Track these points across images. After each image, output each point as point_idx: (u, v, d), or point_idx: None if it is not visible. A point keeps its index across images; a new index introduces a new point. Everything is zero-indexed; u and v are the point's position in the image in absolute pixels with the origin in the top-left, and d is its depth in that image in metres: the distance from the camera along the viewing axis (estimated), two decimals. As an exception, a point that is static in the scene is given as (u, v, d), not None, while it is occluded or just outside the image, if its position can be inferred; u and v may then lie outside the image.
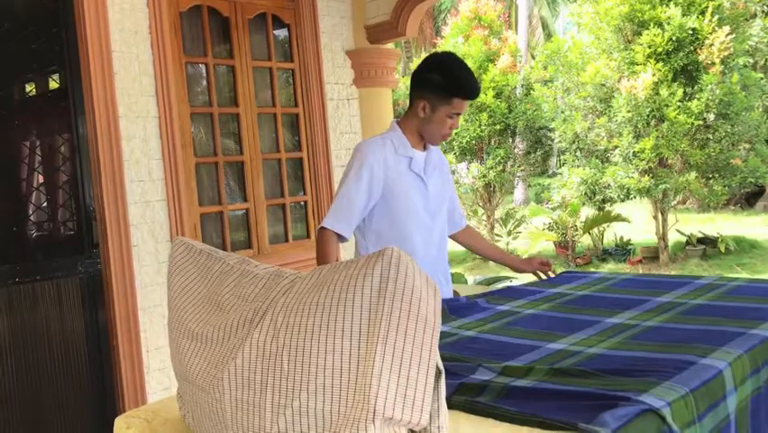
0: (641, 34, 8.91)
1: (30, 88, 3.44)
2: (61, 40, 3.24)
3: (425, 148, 2.47)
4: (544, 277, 2.68)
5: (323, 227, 2.32)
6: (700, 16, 8.73)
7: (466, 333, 1.97)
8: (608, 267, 9.98)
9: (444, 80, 2.29)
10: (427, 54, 2.55)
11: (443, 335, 1.95)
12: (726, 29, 8.62)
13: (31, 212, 3.25)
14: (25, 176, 3.29)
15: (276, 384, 1.15)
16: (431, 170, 2.47)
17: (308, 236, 4.36)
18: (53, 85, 3.40)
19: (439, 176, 2.52)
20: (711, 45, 8.60)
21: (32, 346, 3.12)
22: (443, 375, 1.17)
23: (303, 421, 1.12)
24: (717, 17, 8.69)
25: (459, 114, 2.35)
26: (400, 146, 2.39)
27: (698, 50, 8.72)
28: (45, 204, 3.30)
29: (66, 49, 3.24)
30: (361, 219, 2.37)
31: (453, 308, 2.23)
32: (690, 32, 8.70)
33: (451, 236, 2.73)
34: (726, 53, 8.60)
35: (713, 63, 8.61)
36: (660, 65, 8.74)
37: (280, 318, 1.19)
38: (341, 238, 2.33)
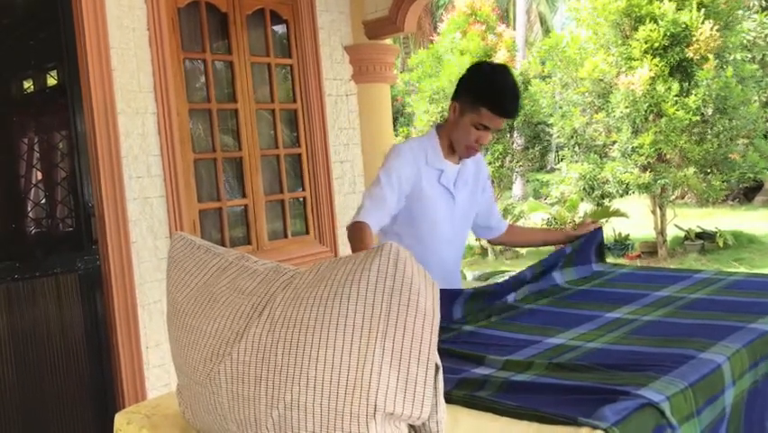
0: (638, 30, 8.91)
1: (28, 85, 3.44)
2: (59, 36, 3.23)
3: (460, 159, 2.39)
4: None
5: (356, 221, 2.18)
6: (691, 11, 8.73)
7: (466, 327, 1.97)
8: (607, 262, 9.97)
9: (479, 86, 2.20)
10: (483, 62, 2.45)
11: (442, 330, 1.95)
12: (710, 23, 8.61)
13: (29, 209, 3.24)
14: (24, 173, 3.28)
15: (270, 378, 1.15)
16: (461, 184, 2.39)
17: (307, 232, 4.36)
18: (51, 81, 3.39)
19: (471, 190, 2.44)
20: (698, 40, 8.60)
21: (32, 343, 3.12)
22: (441, 370, 1.18)
23: (293, 416, 1.12)
24: (703, 11, 8.69)
25: (486, 127, 2.21)
26: (432, 156, 2.32)
27: (687, 46, 8.72)
28: (44, 201, 3.30)
29: (64, 45, 3.23)
30: (389, 218, 2.27)
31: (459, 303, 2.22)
32: (683, 28, 8.70)
33: (494, 241, 2.74)
34: (714, 46, 8.59)
35: (705, 58, 8.61)
36: (656, 60, 8.74)
37: (278, 313, 1.19)
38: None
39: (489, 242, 2.77)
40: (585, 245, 2.52)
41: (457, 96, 2.27)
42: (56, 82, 3.35)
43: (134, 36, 3.41)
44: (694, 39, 8.62)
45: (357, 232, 2.14)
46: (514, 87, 2.23)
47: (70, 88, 3.24)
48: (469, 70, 2.29)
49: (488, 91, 2.19)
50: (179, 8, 3.70)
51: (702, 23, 8.59)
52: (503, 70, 2.28)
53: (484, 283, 2.56)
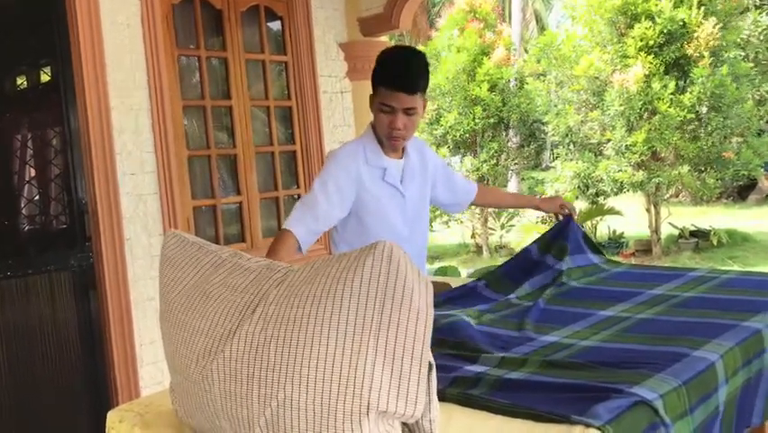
0: (634, 27, 8.92)
1: (21, 81, 3.42)
2: (53, 32, 3.21)
3: (403, 153, 2.30)
4: (561, 218, 2.61)
5: (283, 229, 2.11)
6: (689, 9, 8.75)
7: (464, 317, 1.97)
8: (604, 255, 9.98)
9: (375, 68, 2.15)
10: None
11: (441, 316, 1.95)
12: (713, 20, 8.63)
13: (23, 205, 3.23)
14: (17, 169, 3.26)
15: (262, 376, 1.14)
16: (409, 179, 2.30)
17: (302, 230, 4.35)
18: (45, 77, 3.37)
19: (420, 182, 2.35)
20: (698, 37, 8.62)
21: (25, 341, 3.10)
22: (434, 368, 1.18)
23: (286, 414, 1.12)
24: (703, 9, 8.71)
25: (392, 108, 2.11)
26: (372, 156, 2.22)
27: (686, 43, 8.73)
28: (37, 197, 3.28)
29: (57, 41, 3.21)
30: (324, 226, 2.18)
31: (450, 299, 2.23)
32: (681, 25, 8.71)
33: (472, 204, 2.70)
34: (713, 44, 8.62)
35: (702, 56, 8.63)
36: (651, 58, 8.75)
37: (271, 310, 1.19)
38: (299, 249, 2.10)
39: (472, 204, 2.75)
40: (558, 235, 2.53)
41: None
42: (49, 78, 3.33)
43: (128, 32, 3.39)
44: (695, 35, 8.63)
45: (275, 244, 2.07)
46: (404, 59, 2.15)
47: (64, 85, 3.23)
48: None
49: (379, 68, 2.15)
50: (173, 4, 3.69)
51: (705, 18, 8.60)
52: (397, 48, 2.24)
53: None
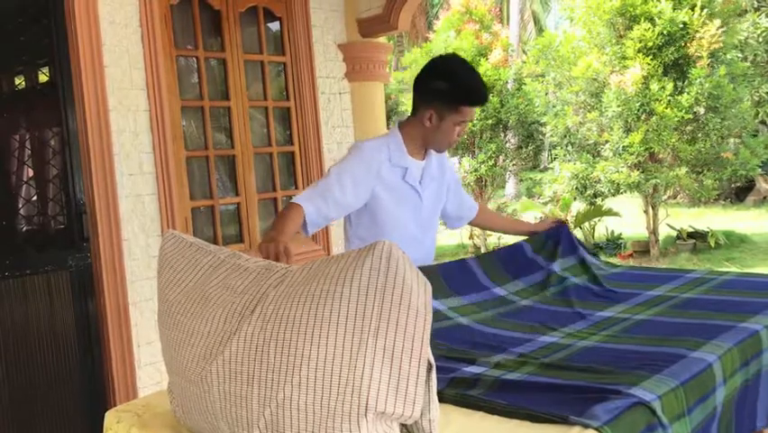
0: (632, 29, 8.94)
1: (19, 81, 3.41)
2: (51, 32, 3.21)
3: (425, 155, 2.36)
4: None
5: (292, 203, 2.14)
6: (690, 11, 8.76)
7: (461, 319, 1.97)
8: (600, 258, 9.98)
9: (451, 88, 2.17)
10: (431, 58, 2.35)
11: (437, 315, 1.95)
12: (717, 22, 8.65)
13: (20, 206, 3.22)
14: (15, 169, 3.26)
15: (262, 377, 1.14)
16: (428, 181, 2.36)
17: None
18: (43, 78, 3.37)
19: (438, 184, 2.42)
20: (701, 39, 8.63)
21: (22, 341, 3.10)
22: (434, 368, 1.18)
23: (285, 414, 1.12)
24: (706, 11, 8.73)
25: (467, 121, 2.24)
26: (396, 155, 2.27)
27: (687, 43, 8.75)
28: (35, 198, 3.28)
29: (55, 41, 3.21)
30: (333, 212, 2.20)
31: (450, 278, 2.21)
32: (681, 27, 8.73)
33: (470, 223, 2.78)
34: (715, 46, 8.64)
35: (701, 56, 8.64)
36: (649, 59, 8.76)
37: (270, 311, 1.19)
38: (305, 226, 2.14)
39: (470, 224, 2.84)
40: (550, 241, 2.54)
41: (427, 102, 2.22)
42: (47, 79, 3.33)
43: (126, 33, 3.39)
44: (698, 36, 8.63)
45: (285, 212, 2.09)
46: (477, 75, 2.23)
47: (62, 85, 3.23)
48: (432, 75, 2.23)
49: (463, 89, 2.19)
50: (172, 5, 3.68)
51: (708, 20, 8.61)
52: (461, 62, 2.25)
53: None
